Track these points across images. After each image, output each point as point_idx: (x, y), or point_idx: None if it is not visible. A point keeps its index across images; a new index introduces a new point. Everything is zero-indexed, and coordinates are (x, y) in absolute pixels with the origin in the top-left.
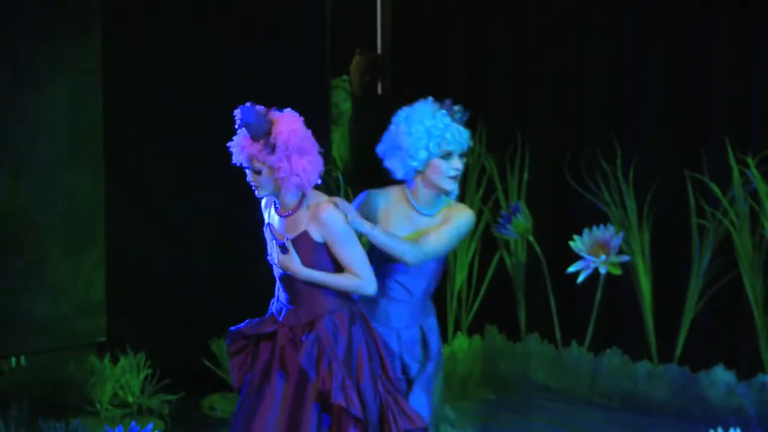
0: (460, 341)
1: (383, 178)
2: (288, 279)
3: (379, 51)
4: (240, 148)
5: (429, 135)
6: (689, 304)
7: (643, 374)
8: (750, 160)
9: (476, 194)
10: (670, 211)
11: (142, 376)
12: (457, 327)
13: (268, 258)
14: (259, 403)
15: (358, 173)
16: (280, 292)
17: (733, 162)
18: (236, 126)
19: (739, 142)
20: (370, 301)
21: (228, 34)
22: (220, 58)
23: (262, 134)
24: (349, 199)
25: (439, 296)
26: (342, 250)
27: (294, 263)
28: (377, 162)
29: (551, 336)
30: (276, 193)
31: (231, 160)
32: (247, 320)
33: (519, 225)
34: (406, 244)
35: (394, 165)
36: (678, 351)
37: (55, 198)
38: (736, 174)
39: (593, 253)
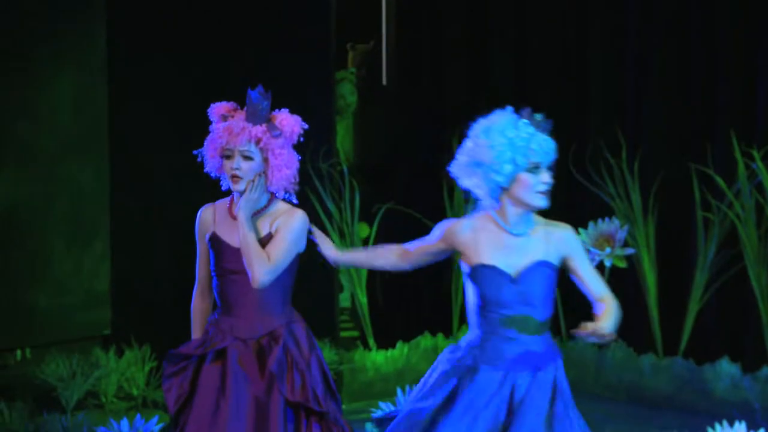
0: (465, 333)
1: (387, 172)
2: (244, 288)
3: (384, 42)
4: (240, 128)
5: (513, 147)
6: (694, 297)
7: (648, 367)
8: (755, 153)
9: None
10: (676, 204)
11: (147, 368)
12: (463, 319)
13: (225, 265)
14: (216, 419)
15: (363, 166)
16: (228, 304)
17: (738, 155)
18: (242, 108)
19: (744, 135)
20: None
21: (233, 27)
22: (226, 50)
23: (265, 119)
24: (354, 192)
25: (445, 291)
26: (278, 240)
27: (330, 248)
28: (382, 155)
29: (556, 329)
30: (247, 188)
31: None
32: (185, 343)
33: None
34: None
35: (474, 183)
36: (683, 344)
37: (59, 191)
38: (741, 167)
39: (598, 245)
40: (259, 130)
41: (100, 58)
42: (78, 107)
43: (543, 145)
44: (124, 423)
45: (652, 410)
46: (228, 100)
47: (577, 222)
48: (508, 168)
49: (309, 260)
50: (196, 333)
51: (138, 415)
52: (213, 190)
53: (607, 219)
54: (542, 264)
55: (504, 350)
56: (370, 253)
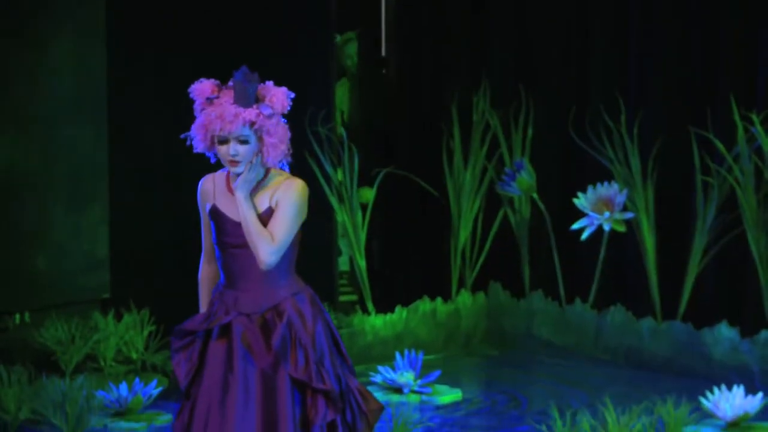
0: (464, 298)
1: (387, 136)
2: (246, 261)
3: (383, 7)
4: (232, 116)
5: None
6: (693, 261)
7: (647, 331)
8: (755, 117)
9: (480, 151)
10: (675, 168)
11: (146, 332)
12: (461, 284)
13: (226, 239)
14: (225, 394)
15: (363, 130)
16: (231, 278)
17: (737, 119)
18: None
19: (744, 99)
20: None
21: None
22: (225, 11)
23: (254, 100)
24: (353, 156)
25: (444, 254)
26: (280, 217)
27: None
28: (382, 119)
29: (555, 293)
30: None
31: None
32: (191, 317)
33: (523, 182)
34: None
35: None
36: (682, 308)
37: (57, 154)
38: (740, 131)
39: (597, 210)
40: (251, 113)
41: (99, 20)
42: (76, 70)
43: None
44: (123, 386)
45: (651, 374)
46: (225, 62)
47: (577, 186)
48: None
49: (306, 224)
50: (204, 300)
51: (137, 379)
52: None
53: (606, 183)
54: None
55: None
56: None
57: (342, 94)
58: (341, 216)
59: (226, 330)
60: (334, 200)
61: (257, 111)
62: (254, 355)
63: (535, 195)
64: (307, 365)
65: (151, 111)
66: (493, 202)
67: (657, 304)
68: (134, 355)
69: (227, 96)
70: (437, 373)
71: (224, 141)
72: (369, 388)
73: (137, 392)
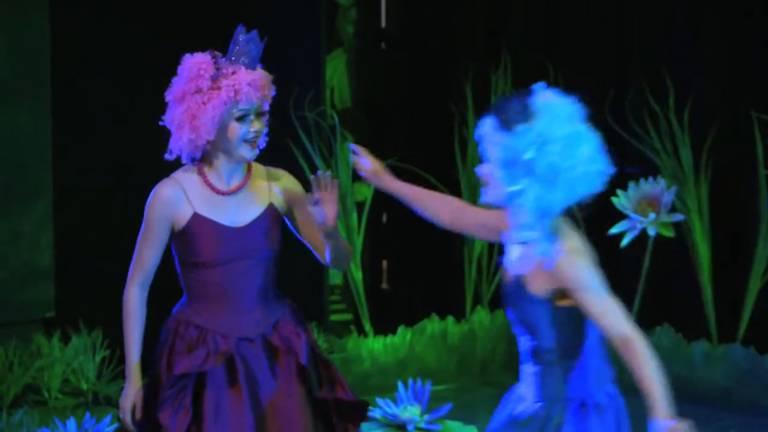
0: (481, 316)
1: (388, 121)
2: (248, 276)
3: None
4: (266, 79)
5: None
6: (756, 273)
7: (700, 356)
8: None
9: None
10: (734, 161)
11: (98, 358)
12: (477, 300)
13: (220, 253)
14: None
15: (359, 114)
16: (225, 299)
17: None
18: (245, 57)
19: None
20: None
21: None
22: None
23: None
24: (346, 155)
25: (456, 264)
26: (306, 209)
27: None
28: (381, 101)
29: None
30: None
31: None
32: (180, 359)
33: None
34: None
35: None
36: (742, 329)
37: None
38: None
39: (640, 211)
40: (268, 77)
41: None
42: (13, 40)
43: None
44: (71, 423)
45: (705, 408)
46: (190, 33)
47: (616, 183)
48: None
49: (291, 231)
50: (135, 336)
51: (87, 414)
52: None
53: (651, 179)
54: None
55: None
56: (425, 192)
57: (335, 69)
58: None
59: (226, 364)
60: None
61: (270, 76)
62: (266, 384)
63: None
64: (336, 376)
65: (104, 89)
66: None
67: (712, 325)
68: (84, 386)
69: (231, 65)
70: (448, 406)
71: (243, 117)
72: (367, 424)
73: (87, 430)
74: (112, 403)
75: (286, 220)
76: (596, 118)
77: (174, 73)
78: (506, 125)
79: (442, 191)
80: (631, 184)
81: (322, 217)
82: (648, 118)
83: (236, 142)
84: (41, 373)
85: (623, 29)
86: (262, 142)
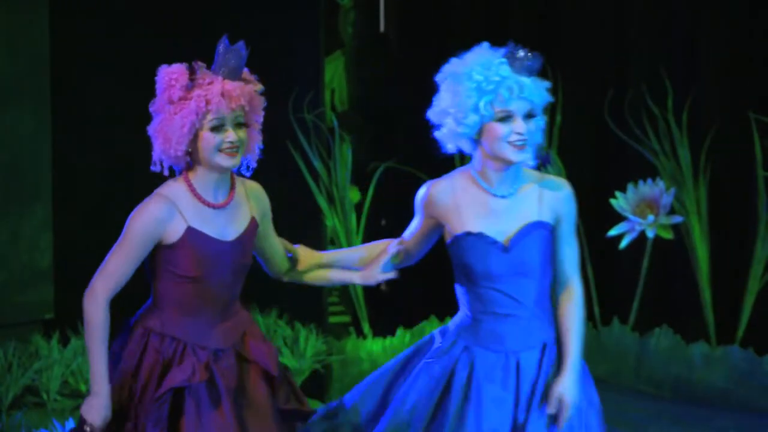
0: None
1: (387, 123)
2: (236, 287)
3: None
4: (238, 89)
5: (480, 92)
6: (754, 275)
7: (699, 358)
8: None
9: None
10: (732, 163)
11: None
12: None
13: (214, 267)
14: None
15: (357, 116)
16: (214, 311)
17: None
18: (231, 66)
19: None
20: (473, 322)
21: None
22: None
23: (241, 76)
24: (345, 148)
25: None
26: (272, 227)
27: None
28: (380, 103)
29: (589, 312)
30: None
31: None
32: (175, 373)
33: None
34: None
35: (444, 135)
36: (740, 331)
37: None
38: None
39: (639, 212)
40: (250, 88)
41: None
42: (14, 43)
43: (516, 90)
44: (70, 424)
45: (704, 409)
46: (194, 36)
47: (615, 184)
48: (472, 117)
49: (290, 230)
50: (104, 345)
51: None
52: None
53: (649, 180)
54: (536, 226)
55: (500, 330)
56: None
57: (335, 71)
58: (331, 220)
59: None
60: (322, 201)
61: (254, 86)
62: (242, 392)
63: None
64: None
65: (104, 95)
66: None
67: (711, 326)
68: (83, 387)
69: (209, 75)
70: None
71: (218, 127)
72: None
73: None
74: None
75: None
76: (595, 120)
77: None
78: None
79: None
80: (630, 186)
81: (371, 277)
82: (647, 119)
83: (210, 151)
84: (40, 375)
85: (622, 30)
86: (255, 155)
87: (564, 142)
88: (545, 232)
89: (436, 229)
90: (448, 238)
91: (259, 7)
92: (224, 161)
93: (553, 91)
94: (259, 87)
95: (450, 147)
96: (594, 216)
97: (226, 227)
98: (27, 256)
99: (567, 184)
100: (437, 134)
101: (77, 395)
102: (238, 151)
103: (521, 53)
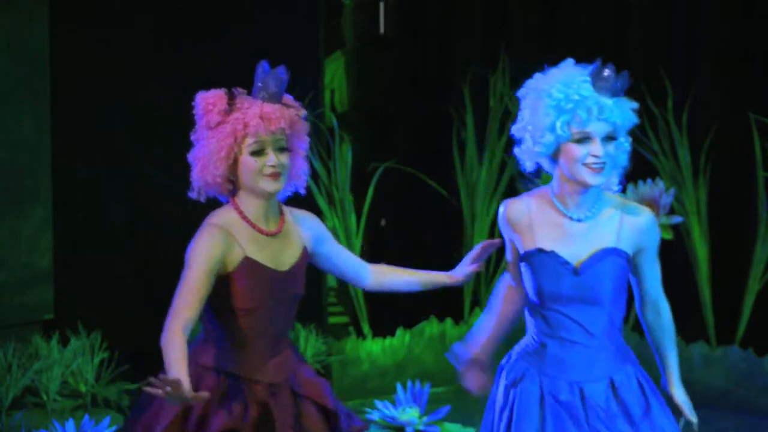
0: (479, 318)
1: (387, 124)
2: (288, 317)
3: None
4: (278, 111)
5: (558, 111)
6: (754, 275)
7: (699, 358)
8: None
9: (498, 142)
10: (732, 163)
11: (97, 360)
12: (476, 302)
13: (270, 295)
14: None
15: (358, 117)
16: (269, 342)
17: None
18: (270, 89)
19: None
20: (540, 347)
21: None
22: None
23: (281, 99)
24: (345, 148)
25: (455, 266)
26: (336, 242)
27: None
28: (380, 103)
29: None
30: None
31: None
32: (221, 414)
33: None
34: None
35: (522, 152)
36: (740, 331)
37: None
38: None
39: None
40: (292, 111)
41: None
42: (14, 46)
43: (595, 111)
44: (70, 425)
45: (703, 409)
46: (194, 40)
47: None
48: (549, 137)
49: None
50: (184, 373)
51: (86, 416)
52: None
53: (649, 181)
54: (611, 252)
55: (566, 357)
56: (493, 318)
57: (335, 72)
58: (331, 221)
59: (263, 412)
60: (322, 201)
61: (296, 110)
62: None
63: None
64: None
65: (104, 98)
66: None
67: (710, 326)
68: (83, 388)
69: (248, 100)
70: (446, 409)
71: (258, 152)
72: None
73: None
74: (111, 405)
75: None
76: None
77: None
78: (619, 93)
79: (441, 194)
80: (630, 186)
81: (462, 274)
82: (646, 119)
83: (252, 176)
84: (40, 375)
85: (622, 31)
86: (302, 182)
87: None
88: (621, 261)
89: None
90: (521, 255)
91: (259, 7)
92: (267, 186)
93: None
94: (302, 112)
95: (528, 165)
96: None
97: (280, 256)
98: (27, 256)
99: (649, 212)
100: (516, 151)
101: (77, 395)
102: (280, 175)
103: (606, 72)
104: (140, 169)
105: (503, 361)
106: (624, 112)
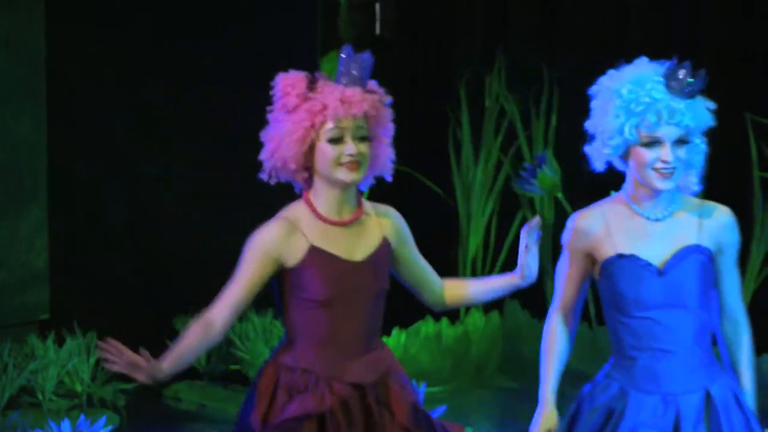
0: (475, 319)
1: None
2: (368, 315)
3: None
4: (359, 95)
5: (628, 113)
6: (749, 275)
7: None
8: None
9: (494, 142)
10: (728, 163)
11: (92, 360)
12: None
13: (335, 289)
14: None
15: None
16: (343, 340)
17: None
18: (352, 75)
19: None
20: (627, 361)
21: None
22: None
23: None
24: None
25: (450, 264)
26: (417, 250)
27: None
28: None
29: (585, 312)
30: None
31: (210, 97)
32: (294, 403)
33: (545, 179)
34: None
35: (591, 153)
36: None
37: None
38: None
39: None
40: (374, 97)
41: None
42: (12, 46)
43: (665, 115)
44: (66, 425)
45: None
46: (191, 39)
47: (610, 184)
48: (617, 139)
49: None
50: (183, 347)
51: (82, 416)
52: (173, 146)
53: None
54: (694, 249)
55: (658, 368)
56: (555, 362)
57: (331, 72)
58: None
59: (344, 410)
60: None
61: (379, 96)
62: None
63: (559, 195)
64: None
65: (100, 98)
66: (509, 204)
67: None
68: (78, 388)
69: (329, 84)
70: (442, 409)
71: (337, 139)
72: None
73: None
74: (107, 405)
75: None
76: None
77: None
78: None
79: (436, 193)
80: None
81: (526, 267)
82: None
83: (329, 164)
84: (36, 375)
85: (618, 31)
86: (387, 170)
87: (560, 143)
88: (704, 258)
89: (589, 269)
90: (597, 271)
91: (258, 7)
92: (344, 176)
93: (549, 92)
94: (386, 98)
95: (597, 165)
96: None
97: (353, 247)
98: (23, 257)
99: (729, 211)
100: (587, 149)
101: (73, 395)
102: (359, 165)
103: (681, 73)
104: (138, 169)
105: (585, 388)
106: (698, 114)
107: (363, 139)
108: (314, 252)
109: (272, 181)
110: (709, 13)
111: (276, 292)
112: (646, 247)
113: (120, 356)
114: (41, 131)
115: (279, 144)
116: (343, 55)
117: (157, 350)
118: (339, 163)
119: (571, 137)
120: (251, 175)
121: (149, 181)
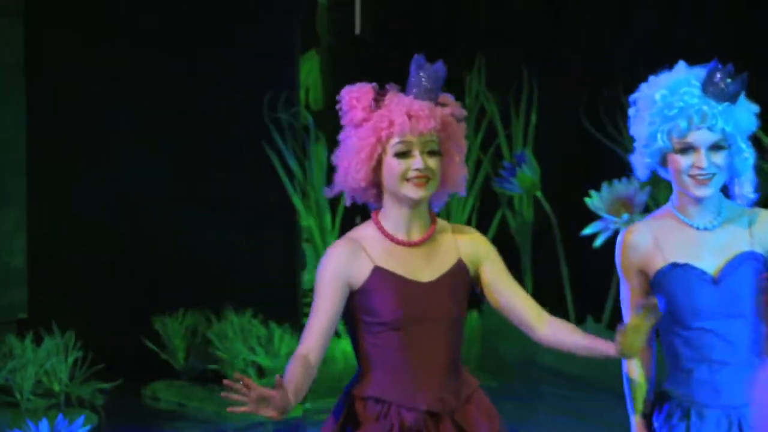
0: None
1: None
2: (434, 339)
3: None
4: (428, 109)
5: (662, 119)
6: None
7: None
8: None
9: (474, 141)
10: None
11: (70, 359)
12: None
13: (405, 313)
14: None
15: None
16: (410, 366)
17: None
18: (423, 84)
19: None
20: (685, 374)
21: None
22: None
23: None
24: (321, 147)
25: None
26: (508, 274)
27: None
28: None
29: (563, 310)
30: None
31: (189, 97)
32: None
33: (525, 178)
34: None
35: (633, 160)
36: None
37: None
38: None
39: (614, 211)
40: (446, 110)
41: None
42: None
43: (696, 120)
44: (44, 424)
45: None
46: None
47: (589, 183)
48: (652, 146)
49: (264, 232)
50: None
51: (60, 416)
52: (154, 144)
53: (624, 179)
54: (748, 256)
55: (717, 381)
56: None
57: (310, 70)
58: (306, 219)
59: None
60: (297, 200)
61: (451, 110)
62: None
63: (539, 193)
64: None
65: (80, 93)
66: (488, 202)
67: None
68: (57, 387)
69: (397, 96)
70: None
71: (404, 153)
72: None
73: (60, 431)
74: (85, 404)
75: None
76: (570, 119)
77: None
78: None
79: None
80: (604, 185)
81: (628, 349)
82: (621, 119)
83: (395, 180)
84: (14, 375)
85: (598, 30)
86: (459, 187)
87: (539, 142)
88: (758, 265)
89: (645, 287)
90: (650, 286)
91: (236, 6)
92: (411, 192)
93: (528, 91)
94: (461, 113)
95: (640, 174)
96: (569, 214)
97: (422, 267)
98: (1, 257)
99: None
100: (631, 158)
101: (51, 395)
102: (427, 181)
103: (718, 76)
104: (116, 171)
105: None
106: (736, 118)
107: (432, 153)
108: (378, 272)
109: (347, 203)
110: (711, 13)
111: (347, 321)
112: (698, 257)
113: (248, 392)
114: (20, 132)
115: (348, 165)
116: (414, 65)
117: (134, 348)
118: (405, 179)
119: (551, 136)
120: (228, 177)
121: (127, 182)
